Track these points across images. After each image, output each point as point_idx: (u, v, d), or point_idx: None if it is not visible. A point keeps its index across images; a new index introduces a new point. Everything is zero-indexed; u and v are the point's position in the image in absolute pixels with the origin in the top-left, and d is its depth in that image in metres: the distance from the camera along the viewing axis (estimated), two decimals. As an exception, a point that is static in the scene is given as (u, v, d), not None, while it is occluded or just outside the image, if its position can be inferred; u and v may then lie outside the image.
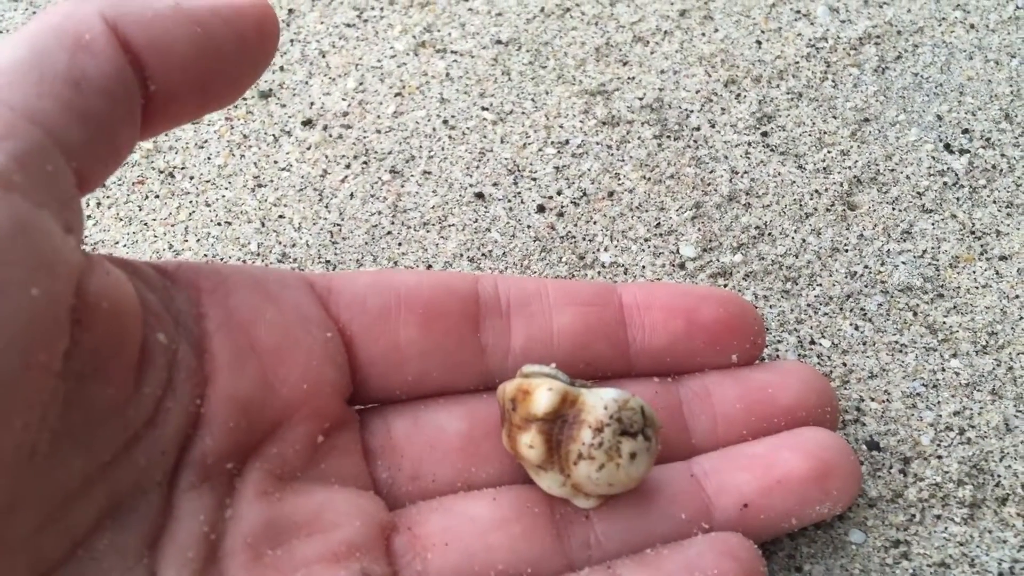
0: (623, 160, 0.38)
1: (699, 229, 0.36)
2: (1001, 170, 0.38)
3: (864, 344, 0.33)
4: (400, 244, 0.36)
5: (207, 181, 0.38)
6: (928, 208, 0.37)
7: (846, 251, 0.35)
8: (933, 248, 0.36)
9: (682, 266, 0.35)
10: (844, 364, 0.33)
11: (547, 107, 0.40)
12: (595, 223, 0.36)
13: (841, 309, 0.34)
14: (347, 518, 0.24)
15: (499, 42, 0.43)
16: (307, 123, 0.40)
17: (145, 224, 0.37)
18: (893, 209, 0.37)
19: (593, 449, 0.24)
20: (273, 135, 0.40)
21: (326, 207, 0.37)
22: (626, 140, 0.39)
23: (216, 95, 0.24)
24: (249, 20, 0.24)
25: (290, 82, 0.41)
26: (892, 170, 0.38)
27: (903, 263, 0.35)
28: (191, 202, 0.37)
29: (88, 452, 0.21)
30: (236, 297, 0.25)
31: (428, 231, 0.36)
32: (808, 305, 0.34)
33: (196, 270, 0.25)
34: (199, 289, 0.25)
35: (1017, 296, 0.34)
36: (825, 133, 0.39)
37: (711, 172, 0.38)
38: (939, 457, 0.30)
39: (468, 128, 0.40)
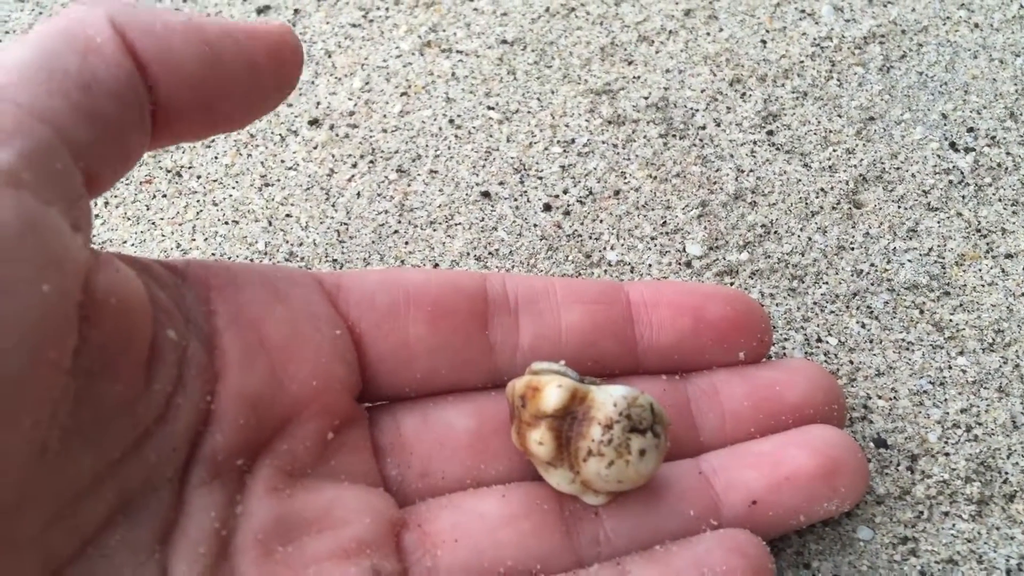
0: (629, 159, 0.38)
1: (705, 227, 0.36)
2: (1006, 168, 0.38)
3: (871, 342, 0.33)
4: (407, 243, 0.36)
5: (214, 180, 0.38)
6: (934, 206, 0.37)
7: (852, 249, 0.35)
8: (939, 246, 0.36)
9: (688, 264, 0.35)
10: (851, 362, 0.33)
11: (553, 106, 0.40)
12: (601, 222, 0.36)
13: (847, 307, 0.34)
14: (357, 515, 0.24)
15: (504, 42, 0.43)
16: (314, 122, 0.40)
17: (153, 223, 0.37)
18: (899, 207, 0.37)
19: (603, 446, 0.24)
20: (280, 134, 0.40)
21: (333, 206, 0.37)
22: (632, 139, 0.39)
23: (225, 118, 0.24)
24: (261, 46, 0.24)
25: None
26: (897, 168, 0.38)
27: (909, 261, 0.35)
28: (199, 201, 0.37)
29: (99, 449, 0.21)
30: (246, 294, 0.25)
31: (435, 230, 0.36)
32: (815, 303, 0.34)
33: (206, 268, 0.26)
34: (209, 286, 0.25)
35: (1023, 294, 0.34)
36: (830, 132, 0.39)
37: (717, 171, 0.38)
38: (946, 454, 0.30)
39: (474, 127, 0.40)
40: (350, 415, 0.26)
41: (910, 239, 0.36)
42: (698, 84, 0.41)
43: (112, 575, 0.21)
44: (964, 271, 0.35)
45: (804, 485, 0.26)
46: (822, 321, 0.34)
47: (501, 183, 0.38)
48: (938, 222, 0.36)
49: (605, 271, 0.35)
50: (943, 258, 0.35)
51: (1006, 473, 0.30)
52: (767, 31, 0.43)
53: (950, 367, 0.32)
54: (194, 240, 0.36)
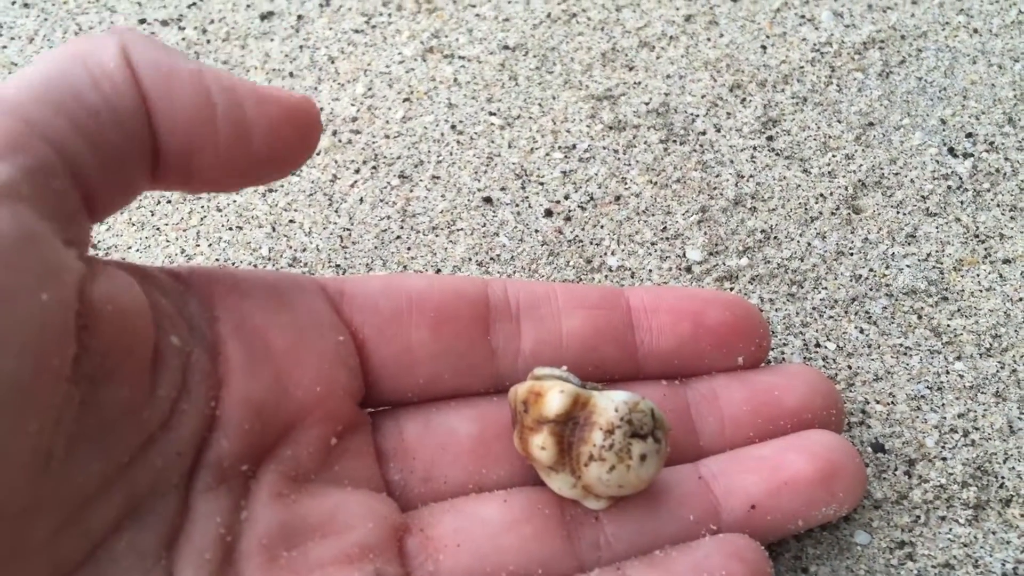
0: (630, 164, 0.39)
1: (705, 233, 0.36)
2: (1005, 174, 0.38)
3: (869, 347, 0.33)
4: (409, 248, 0.36)
5: (217, 186, 0.38)
6: (932, 212, 0.37)
7: (851, 254, 0.36)
8: (937, 251, 0.36)
9: (688, 270, 0.35)
10: (849, 367, 0.33)
11: (554, 112, 0.41)
12: (602, 227, 0.37)
13: (846, 312, 0.34)
14: (360, 520, 0.25)
15: (506, 47, 0.43)
16: (316, 128, 0.40)
17: (157, 228, 0.37)
18: (897, 213, 0.37)
19: (604, 451, 0.24)
20: (282, 140, 0.40)
21: (336, 212, 0.37)
22: (632, 144, 0.39)
23: (204, 176, 0.24)
24: (267, 113, 0.23)
25: (299, 88, 0.42)
26: (896, 174, 0.38)
27: (907, 266, 0.35)
28: (202, 207, 0.38)
29: (104, 454, 0.21)
30: (249, 301, 0.26)
31: (437, 235, 0.37)
32: (813, 308, 0.34)
33: (209, 274, 0.26)
34: (212, 293, 0.25)
35: (1021, 299, 0.34)
36: (830, 137, 0.39)
37: (717, 176, 0.38)
38: (943, 459, 0.31)
39: (476, 133, 0.40)
40: (353, 420, 0.27)
41: (909, 244, 0.36)
42: (698, 90, 0.41)
43: None
44: (962, 276, 0.35)
45: (803, 490, 0.26)
46: (821, 326, 0.34)
47: (503, 189, 0.38)
48: (936, 227, 0.37)
49: (606, 276, 0.35)
50: (941, 263, 0.35)
51: (1003, 478, 0.30)
52: (767, 37, 0.43)
53: (948, 372, 0.33)
54: (198, 246, 0.36)
